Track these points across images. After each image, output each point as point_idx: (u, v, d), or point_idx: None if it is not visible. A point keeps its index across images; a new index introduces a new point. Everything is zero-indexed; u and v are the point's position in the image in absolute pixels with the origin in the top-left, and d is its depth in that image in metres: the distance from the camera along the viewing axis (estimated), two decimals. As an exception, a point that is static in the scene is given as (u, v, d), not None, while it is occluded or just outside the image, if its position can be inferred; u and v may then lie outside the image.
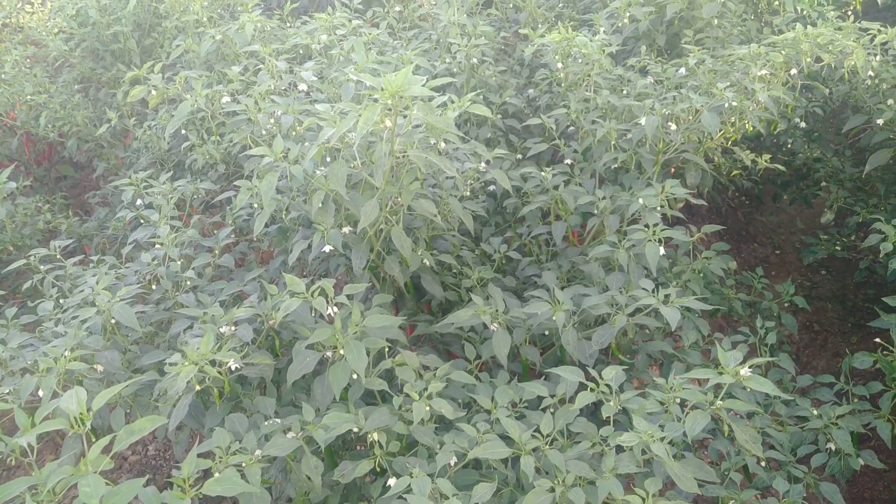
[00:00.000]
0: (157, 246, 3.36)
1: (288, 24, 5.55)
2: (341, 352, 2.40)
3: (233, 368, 2.42)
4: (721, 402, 2.11)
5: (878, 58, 3.70)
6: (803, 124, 4.57)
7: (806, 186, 5.19)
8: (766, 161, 3.93)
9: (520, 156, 4.22)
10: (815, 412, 2.90)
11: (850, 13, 5.36)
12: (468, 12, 4.96)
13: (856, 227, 4.75)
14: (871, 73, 3.93)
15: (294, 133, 3.18)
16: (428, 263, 3.21)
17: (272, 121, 3.19)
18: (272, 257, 3.86)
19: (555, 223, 3.42)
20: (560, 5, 5.61)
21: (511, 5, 5.52)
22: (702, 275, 3.60)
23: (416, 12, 5.35)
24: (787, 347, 4.23)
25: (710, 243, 3.90)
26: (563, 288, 3.37)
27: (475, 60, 4.42)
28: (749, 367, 2.11)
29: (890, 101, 4.15)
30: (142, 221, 3.72)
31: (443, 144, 3.06)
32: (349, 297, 2.55)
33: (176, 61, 5.57)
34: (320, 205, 2.89)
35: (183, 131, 4.64)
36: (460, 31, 4.61)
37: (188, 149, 4.45)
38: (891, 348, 3.07)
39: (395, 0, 5.44)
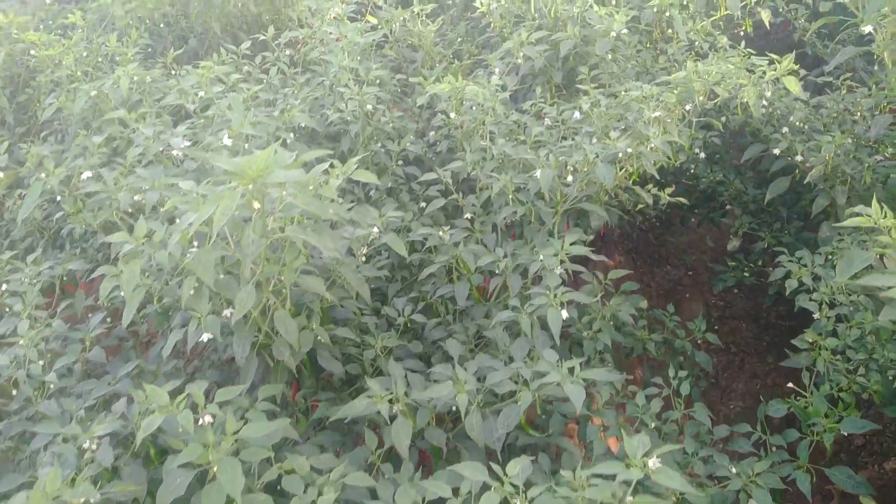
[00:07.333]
0: (20, 344, 3.00)
1: (173, 72, 5.23)
2: (215, 469, 2.13)
3: (91, 502, 2.11)
4: (631, 499, 1.95)
5: (769, 93, 3.69)
6: (703, 155, 4.56)
7: (712, 209, 5.20)
8: (668, 196, 3.86)
9: (423, 203, 4.03)
10: (734, 470, 2.79)
11: (741, 33, 5.43)
12: (362, 54, 4.74)
13: (762, 252, 4.76)
14: (764, 102, 3.93)
15: (162, 210, 2.89)
16: (323, 340, 2.97)
17: (136, 197, 2.90)
18: (155, 339, 3.55)
19: (457, 283, 3.24)
20: (458, 40, 5.48)
21: (407, 45, 5.35)
22: (612, 322, 3.48)
23: (308, 55, 5.11)
24: (703, 383, 4.17)
25: (620, 283, 3.79)
26: (470, 353, 3.19)
27: (370, 107, 4.21)
28: (657, 457, 1.97)
29: (784, 130, 4.17)
30: (6, 310, 3.34)
31: (330, 212, 2.83)
32: (220, 405, 2.28)
33: (53, 117, 5.17)
34: (192, 291, 2.62)
35: (58, 198, 4.27)
36: (353, 77, 4.40)
37: (63, 218, 4.08)
38: (803, 393, 3.01)
39: (286, 44, 5.18)
